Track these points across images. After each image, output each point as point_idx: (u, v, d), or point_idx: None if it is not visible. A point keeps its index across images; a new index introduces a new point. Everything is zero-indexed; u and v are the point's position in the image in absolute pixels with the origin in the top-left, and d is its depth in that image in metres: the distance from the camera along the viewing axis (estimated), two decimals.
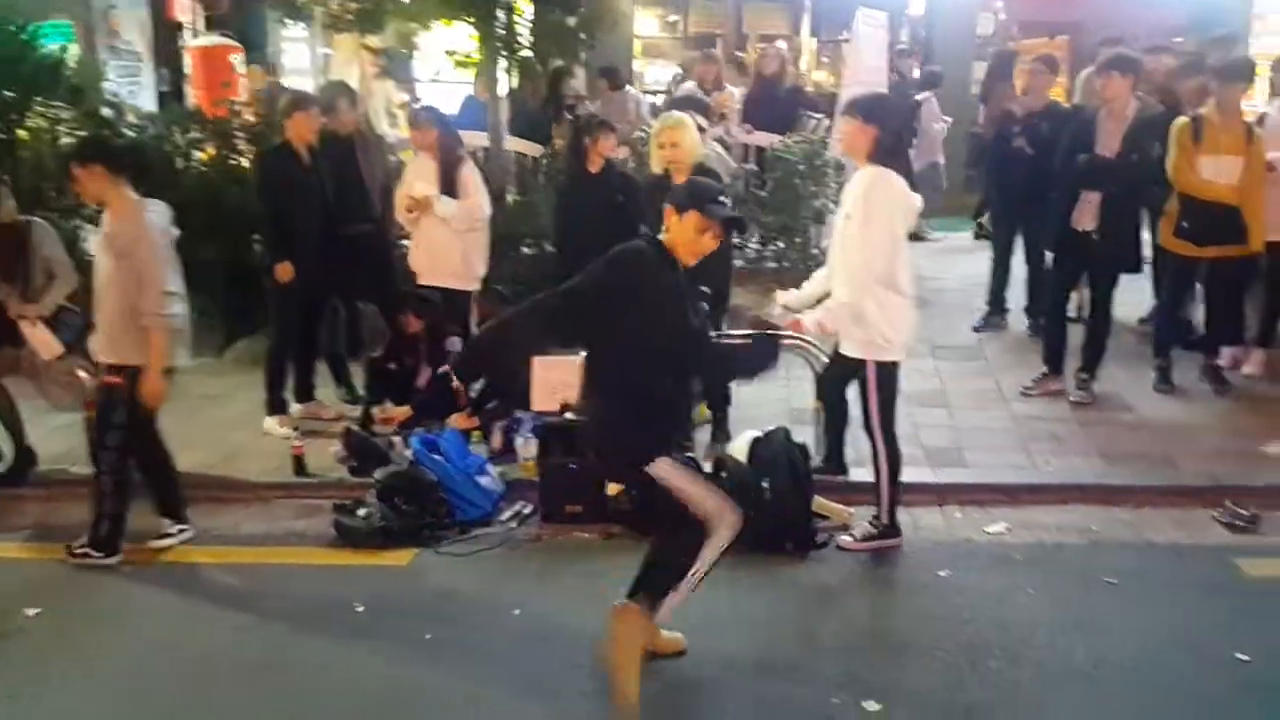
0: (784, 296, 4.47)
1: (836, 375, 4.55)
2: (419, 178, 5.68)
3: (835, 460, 4.84)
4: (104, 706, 3.47)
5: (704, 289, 3.75)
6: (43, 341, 5.04)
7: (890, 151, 4.14)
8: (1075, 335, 5.90)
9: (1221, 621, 3.73)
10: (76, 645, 3.81)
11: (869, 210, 4.02)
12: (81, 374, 5.18)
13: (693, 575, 3.31)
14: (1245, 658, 3.49)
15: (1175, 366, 5.87)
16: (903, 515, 4.45)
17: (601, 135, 5.53)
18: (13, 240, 5.05)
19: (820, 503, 4.55)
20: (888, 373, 4.22)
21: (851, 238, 4.07)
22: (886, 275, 4.08)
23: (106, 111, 7.08)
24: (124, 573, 4.33)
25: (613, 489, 4.69)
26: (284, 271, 5.39)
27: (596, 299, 3.17)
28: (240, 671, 3.61)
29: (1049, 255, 6.16)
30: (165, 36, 10.27)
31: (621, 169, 6.07)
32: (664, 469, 3.24)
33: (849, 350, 4.26)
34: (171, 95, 9.90)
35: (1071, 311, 6.15)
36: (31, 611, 4.00)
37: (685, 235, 3.23)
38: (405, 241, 6.03)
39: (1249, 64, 5.69)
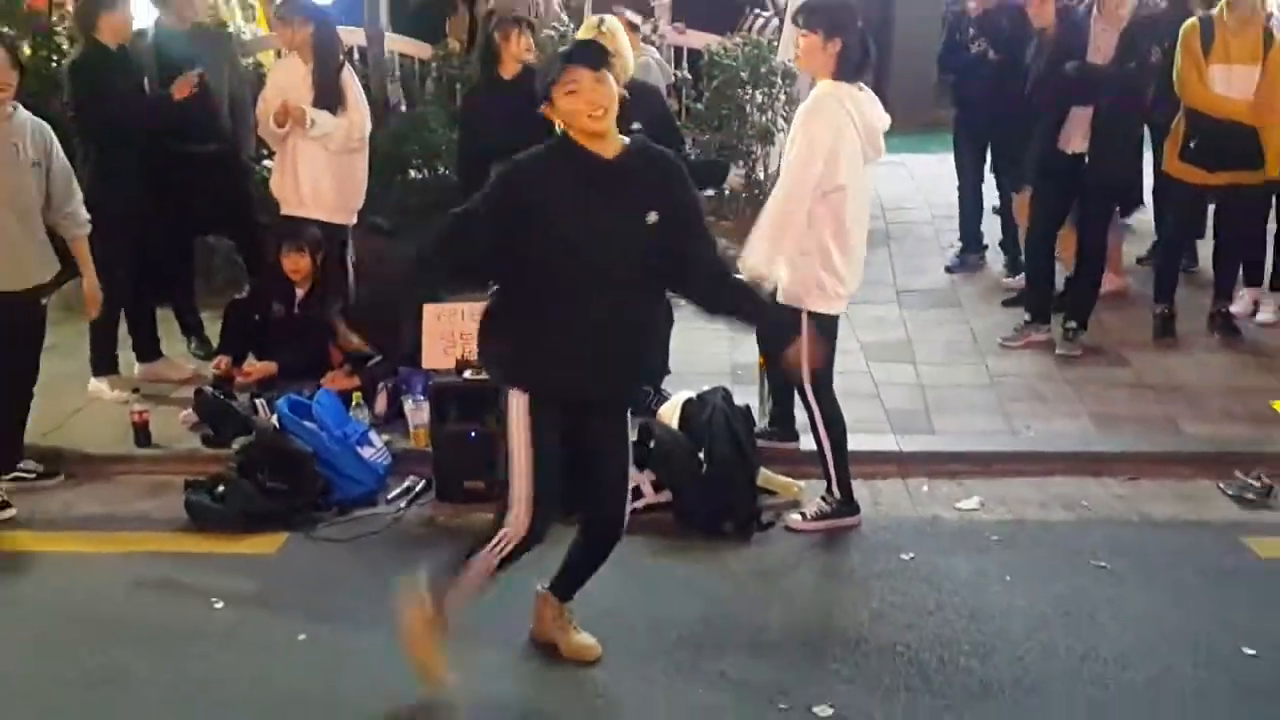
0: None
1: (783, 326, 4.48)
2: (289, 84, 5.50)
3: (784, 425, 4.82)
4: None
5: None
6: None
7: (855, 67, 4.10)
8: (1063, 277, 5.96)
9: (1227, 610, 3.78)
10: None
11: (803, 122, 4.03)
12: None
13: (465, 572, 3.29)
14: (1252, 652, 3.54)
15: (1179, 314, 5.93)
16: (861, 489, 4.45)
17: (516, 33, 5.40)
18: None
19: (766, 476, 4.55)
20: (825, 326, 4.19)
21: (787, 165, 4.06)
22: (841, 199, 4.07)
23: None
24: None
25: None
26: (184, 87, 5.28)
27: (488, 216, 3.14)
28: (71, 685, 3.50)
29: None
30: None
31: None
32: (512, 408, 3.19)
33: (781, 296, 4.19)
34: None
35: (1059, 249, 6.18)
36: None
37: (563, 113, 3.10)
38: (266, 164, 5.83)
39: None
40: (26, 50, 6.79)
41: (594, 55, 3.12)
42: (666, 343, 4.72)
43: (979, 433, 5.03)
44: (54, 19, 6.88)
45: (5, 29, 6.78)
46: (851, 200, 4.12)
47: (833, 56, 4.03)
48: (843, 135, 4.04)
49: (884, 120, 4.23)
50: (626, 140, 3.19)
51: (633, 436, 4.25)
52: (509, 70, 5.40)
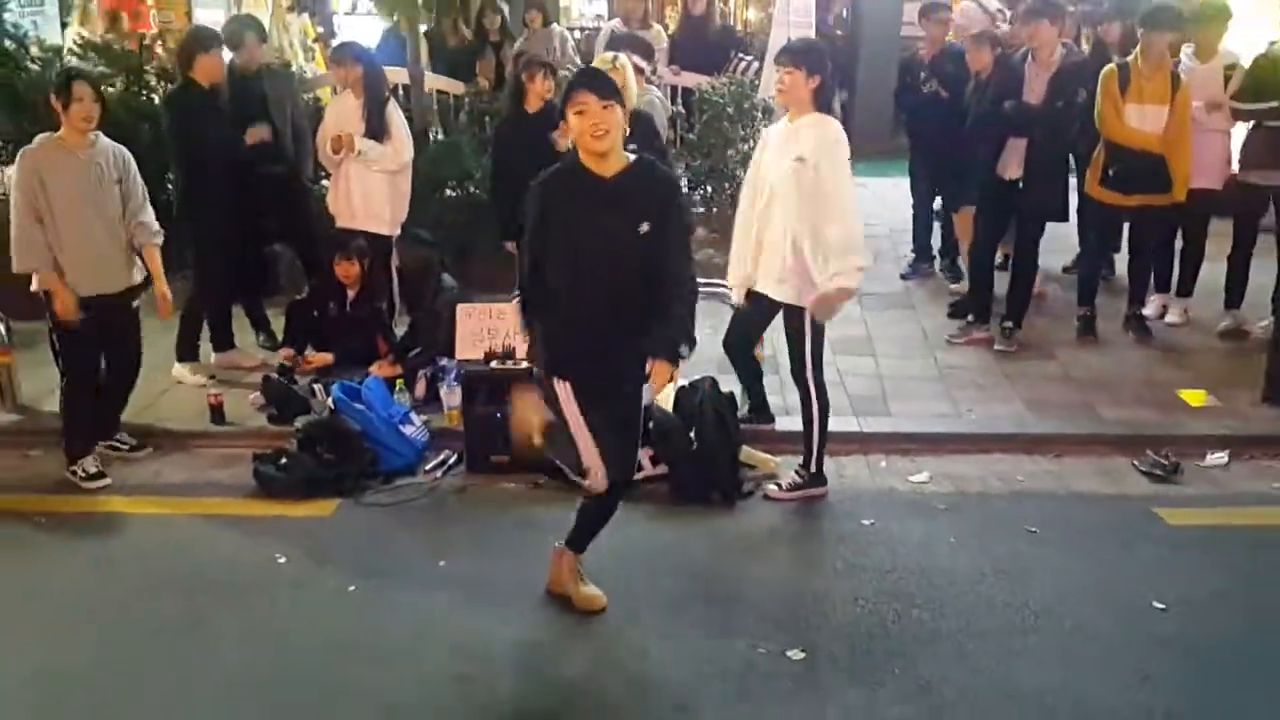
0: (737, 280, 4.33)
1: (752, 322, 4.44)
2: (342, 117, 5.45)
3: (762, 410, 4.77)
4: (14, 665, 3.30)
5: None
6: None
7: (828, 99, 4.09)
8: (1001, 284, 5.89)
9: (1141, 570, 3.75)
10: None
11: (835, 157, 3.96)
12: None
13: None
14: (1162, 606, 3.51)
15: (1099, 316, 5.88)
16: (828, 464, 4.40)
17: (540, 75, 5.36)
18: None
19: (748, 452, 4.51)
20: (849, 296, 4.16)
21: (815, 182, 3.95)
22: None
23: (8, 44, 6.61)
24: (39, 522, 4.18)
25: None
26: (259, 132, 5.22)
27: (535, 230, 3.17)
28: (161, 628, 3.48)
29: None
30: None
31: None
32: (561, 394, 3.21)
33: (781, 295, 4.13)
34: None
35: (998, 260, 6.12)
36: None
37: (572, 130, 3.05)
38: (324, 183, 5.77)
39: (1174, 11, 5.64)
40: (119, 84, 6.76)
41: (602, 83, 3.07)
42: None
43: (930, 416, 4.98)
44: (144, 57, 6.79)
45: (102, 67, 6.73)
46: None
47: (812, 91, 4.00)
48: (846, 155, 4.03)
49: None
50: (631, 159, 3.13)
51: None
52: (533, 106, 5.36)
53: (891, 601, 3.55)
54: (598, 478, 3.26)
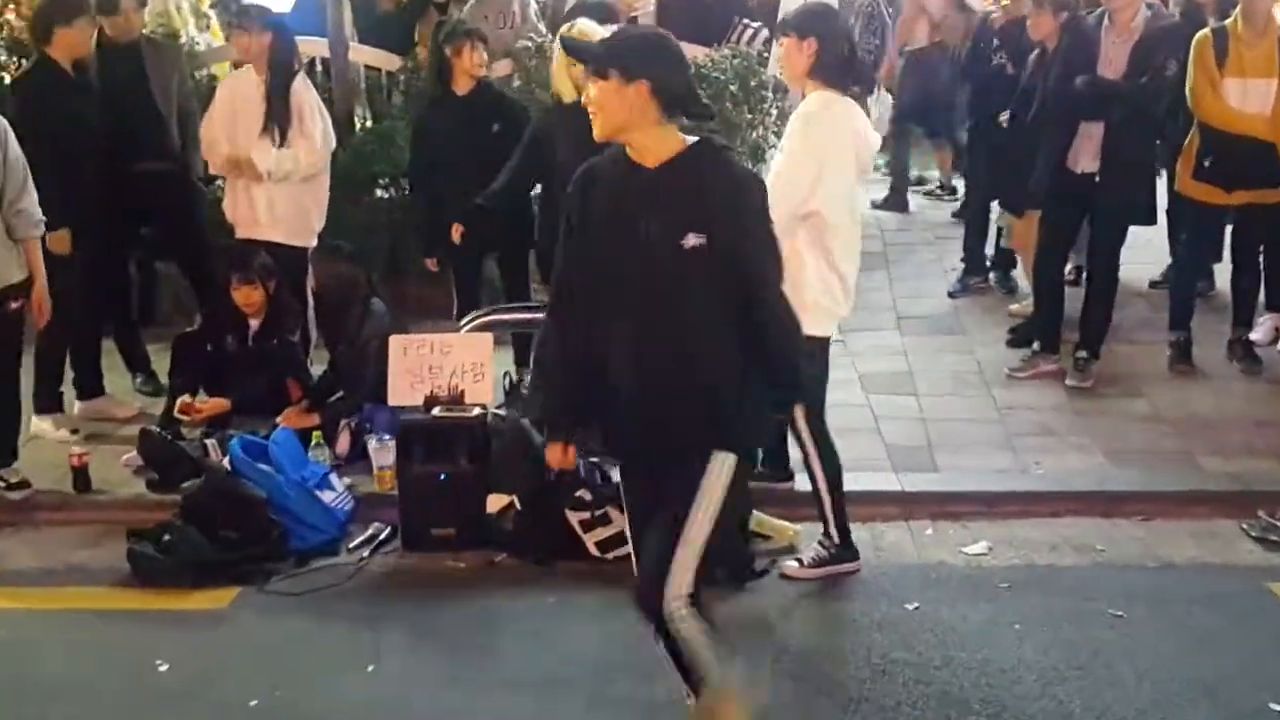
0: None
1: None
2: (238, 99, 5.52)
3: (777, 462, 4.80)
4: None
5: None
6: None
7: (839, 69, 4.12)
8: (1073, 303, 5.94)
9: (1252, 662, 3.76)
10: None
11: (802, 136, 4.04)
12: None
13: None
14: (1279, 708, 3.52)
15: (1196, 341, 5.94)
16: (861, 532, 4.44)
17: (467, 47, 5.41)
18: None
19: (759, 519, 4.53)
20: (814, 349, 4.14)
21: (776, 173, 4.07)
22: (820, 222, 4.09)
23: None
24: None
25: (494, 504, 4.60)
26: (58, 243, 5.12)
27: (564, 234, 3.01)
28: None
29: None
30: None
31: (501, 90, 5.89)
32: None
33: None
34: None
35: (1069, 274, 6.20)
36: None
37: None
38: (219, 184, 5.80)
39: None
40: None
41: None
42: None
43: (986, 471, 5.01)
44: None
45: None
46: (836, 219, 4.14)
47: (809, 58, 4.07)
48: (832, 155, 4.07)
49: (876, 138, 4.26)
50: (689, 142, 2.86)
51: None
52: (461, 86, 5.45)
53: (942, 707, 3.54)
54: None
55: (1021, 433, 5.33)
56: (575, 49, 2.86)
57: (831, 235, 4.15)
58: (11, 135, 4.59)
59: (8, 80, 6.48)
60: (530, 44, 7.08)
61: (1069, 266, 6.23)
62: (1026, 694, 3.61)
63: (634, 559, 3.12)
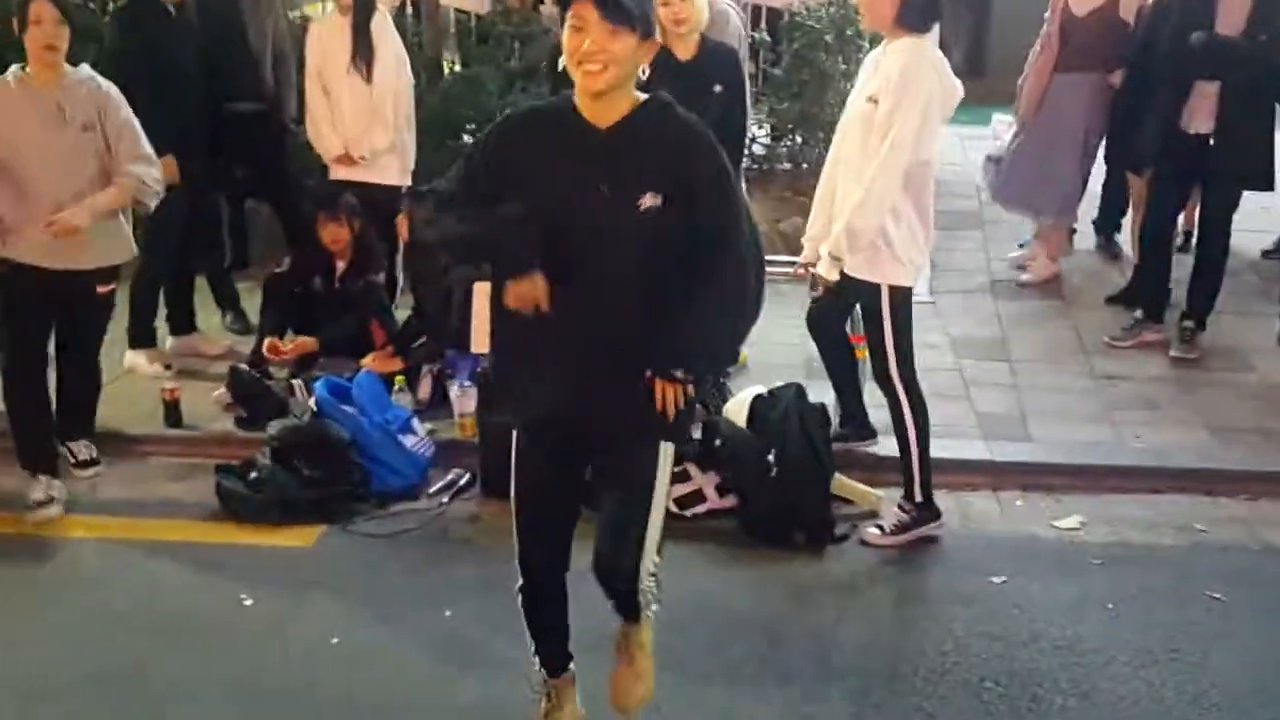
0: (808, 242, 4.39)
1: (835, 306, 4.45)
2: (326, 43, 5.59)
3: (858, 422, 4.74)
4: None
5: None
6: None
7: (924, 11, 4.02)
8: (1181, 270, 5.78)
9: None
10: None
11: (901, 92, 3.94)
12: None
13: None
14: None
15: None
16: (948, 501, 4.38)
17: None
18: None
19: (841, 482, 4.48)
20: (902, 299, 4.17)
21: (877, 127, 3.99)
22: (927, 173, 4.07)
23: None
24: None
25: None
26: (166, 169, 5.15)
27: (465, 182, 2.84)
28: (88, 685, 3.52)
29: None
30: None
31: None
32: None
33: (850, 268, 4.15)
34: None
35: (1178, 240, 6.04)
36: None
37: (565, 54, 2.68)
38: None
39: None
40: None
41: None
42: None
43: (1081, 443, 4.91)
44: None
45: None
46: (931, 164, 4.12)
47: (896, 6, 3.95)
48: (935, 105, 3.99)
49: (959, 86, 4.14)
50: (642, 99, 2.73)
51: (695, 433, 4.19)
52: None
53: (1028, 684, 3.48)
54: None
55: (1120, 404, 5.21)
56: (619, 8, 2.60)
57: (930, 187, 4.12)
58: (118, 100, 4.44)
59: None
60: None
61: (1178, 231, 6.06)
62: (1117, 675, 3.53)
63: (521, 530, 2.97)
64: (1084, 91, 6.21)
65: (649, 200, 2.67)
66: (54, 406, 4.64)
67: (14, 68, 4.30)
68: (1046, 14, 6.36)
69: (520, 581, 3.03)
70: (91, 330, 4.66)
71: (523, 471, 2.94)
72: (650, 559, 2.89)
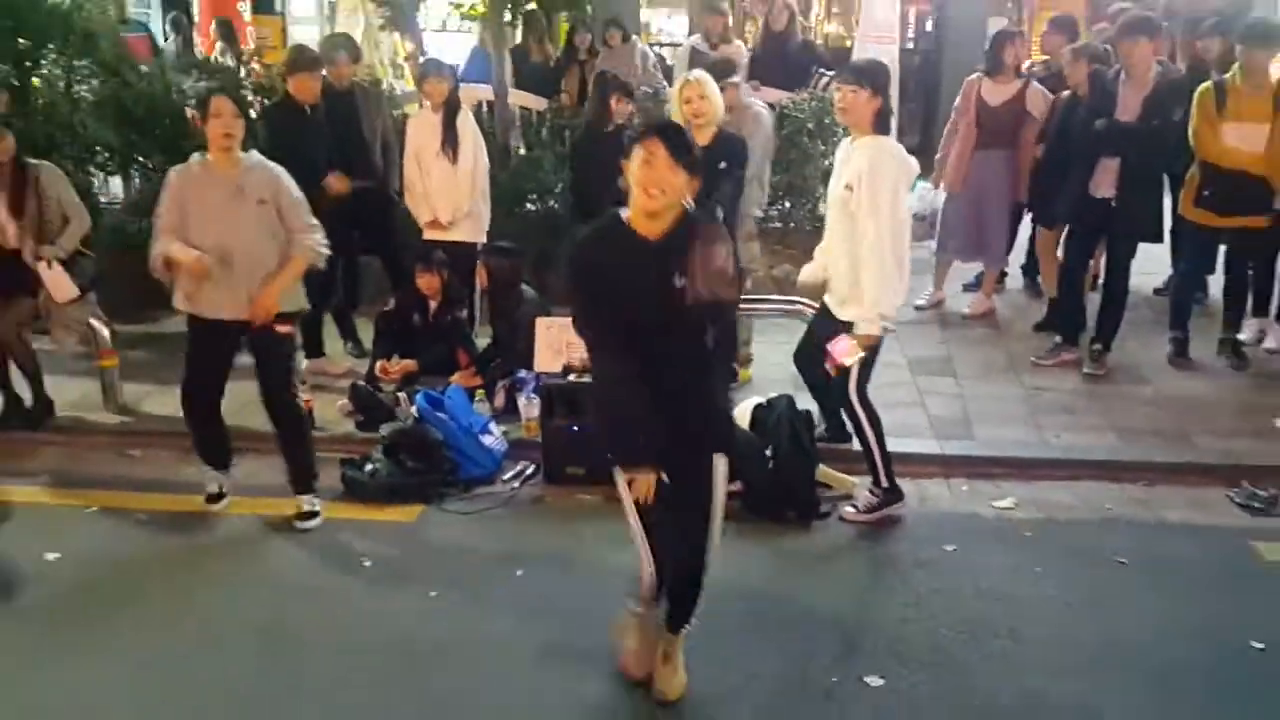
0: (804, 275, 4.36)
1: (815, 348, 4.35)
2: (421, 132, 5.62)
3: (838, 429, 4.67)
4: (115, 652, 3.44)
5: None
6: (59, 284, 5.05)
7: (885, 120, 3.99)
8: (1091, 304, 5.70)
9: (1237, 607, 3.58)
10: (93, 591, 3.79)
11: (875, 186, 3.87)
12: (94, 322, 5.16)
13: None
14: (1261, 645, 3.34)
15: (1192, 340, 5.67)
16: (908, 486, 4.31)
17: (622, 96, 5.45)
18: (19, 179, 5.02)
19: (824, 471, 4.43)
20: (875, 343, 4.09)
21: (856, 215, 3.93)
22: (901, 229, 3.99)
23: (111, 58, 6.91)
24: (140, 520, 4.31)
25: None
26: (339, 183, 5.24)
27: (583, 295, 2.87)
28: (249, 627, 3.56)
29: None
30: None
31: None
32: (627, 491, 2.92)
33: (844, 316, 4.09)
34: (181, 42, 9.67)
35: (1090, 280, 5.95)
36: (51, 556, 3.99)
37: (631, 175, 2.71)
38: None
39: (1276, 27, 5.40)
40: None
41: (680, 142, 2.71)
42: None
43: (1014, 440, 4.83)
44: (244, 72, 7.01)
45: (203, 80, 6.97)
46: (904, 232, 4.03)
47: (874, 111, 3.92)
48: (899, 185, 3.94)
49: (915, 164, 4.09)
50: (685, 212, 2.77)
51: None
52: (610, 126, 5.42)
53: (973, 630, 3.44)
54: (642, 581, 3.11)
55: (1045, 410, 5.13)
56: (685, 151, 2.72)
57: (906, 238, 4.04)
58: (286, 180, 4.16)
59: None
60: (649, 89, 7.02)
61: (1089, 275, 5.97)
62: (1044, 624, 3.49)
63: (649, 536, 3.04)
64: (1001, 165, 6.23)
65: (680, 280, 2.72)
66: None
67: (196, 155, 4.12)
68: (957, 103, 6.36)
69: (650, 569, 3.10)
70: (273, 366, 4.24)
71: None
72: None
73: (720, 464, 2.95)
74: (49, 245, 5.02)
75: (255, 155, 4.19)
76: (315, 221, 4.23)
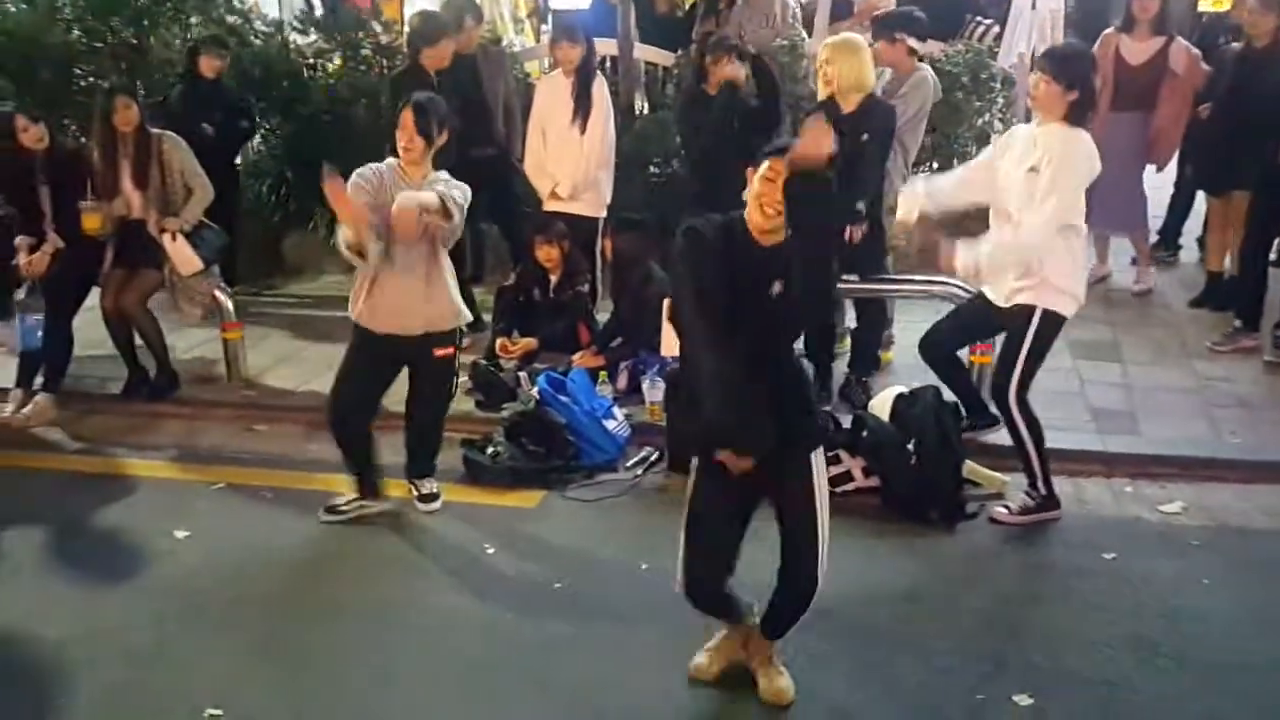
0: (920, 189, 4.29)
1: (962, 327, 4.40)
2: (552, 97, 5.72)
3: (980, 412, 4.64)
4: (243, 627, 3.69)
5: None
6: (183, 256, 5.40)
7: (1084, 111, 3.94)
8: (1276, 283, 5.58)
9: None
10: (221, 571, 4.01)
11: (1059, 173, 3.86)
12: (218, 294, 5.51)
13: None
14: None
15: None
16: (1065, 486, 4.28)
17: (723, 58, 5.33)
18: (143, 150, 5.33)
19: (971, 468, 4.43)
20: (1052, 327, 4.04)
21: (1037, 197, 3.90)
22: (1081, 228, 3.99)
23: (231, 19, 7.26)
24: (265, 495, 4.58)
25: None
26: None
27: (703, 275, 2.92)
28: (373, 607, 3.75)
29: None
30: None
31: (746, 92, 5.76)
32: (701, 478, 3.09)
33: (1010, 297, 4.06)
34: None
35: (1273, 254, 5.73)
36: (180, 534, 4.26)
37: (752, 188, 2.85)
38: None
39: None
40: (338, 60, 7.29)
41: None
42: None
43: (1185, 438, 4.72)
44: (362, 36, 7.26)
45: (319, 42, 7.27)
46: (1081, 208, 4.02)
47: (1069, 104, 3.88)
48: (1084, 181, 3.94)
49: (1099, 162, 4.02)
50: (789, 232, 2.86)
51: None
52: (712, 87, 5.37)
53: (1134, 648, 3.42)
54: (679, 582, 3.22)
55: (1220, 403, 4.98)
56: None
57: (1083, 237, 4.06)
58: (452, 183, 4.13)
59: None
60: (785, 42, 6.97)
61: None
62: (1211, 643, 3.44)
63: (693, 545, 3.16)
64: (1138, 128, 6.11)
65: (777, 287, 2.86)
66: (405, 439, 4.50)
67: (390, 159, 4.14)
68: None
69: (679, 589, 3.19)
70: (428, 391, 4.34)
71: (714, 488, 3.06)
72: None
73: (818, 462, 3.04)
74: (172, 217, 5.39)
75: (443, 173, 4.19)
76: (465, 187, 4.17)
